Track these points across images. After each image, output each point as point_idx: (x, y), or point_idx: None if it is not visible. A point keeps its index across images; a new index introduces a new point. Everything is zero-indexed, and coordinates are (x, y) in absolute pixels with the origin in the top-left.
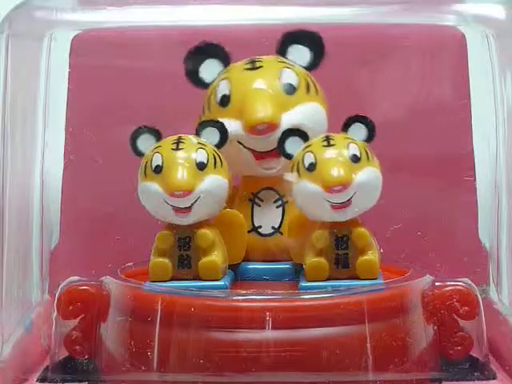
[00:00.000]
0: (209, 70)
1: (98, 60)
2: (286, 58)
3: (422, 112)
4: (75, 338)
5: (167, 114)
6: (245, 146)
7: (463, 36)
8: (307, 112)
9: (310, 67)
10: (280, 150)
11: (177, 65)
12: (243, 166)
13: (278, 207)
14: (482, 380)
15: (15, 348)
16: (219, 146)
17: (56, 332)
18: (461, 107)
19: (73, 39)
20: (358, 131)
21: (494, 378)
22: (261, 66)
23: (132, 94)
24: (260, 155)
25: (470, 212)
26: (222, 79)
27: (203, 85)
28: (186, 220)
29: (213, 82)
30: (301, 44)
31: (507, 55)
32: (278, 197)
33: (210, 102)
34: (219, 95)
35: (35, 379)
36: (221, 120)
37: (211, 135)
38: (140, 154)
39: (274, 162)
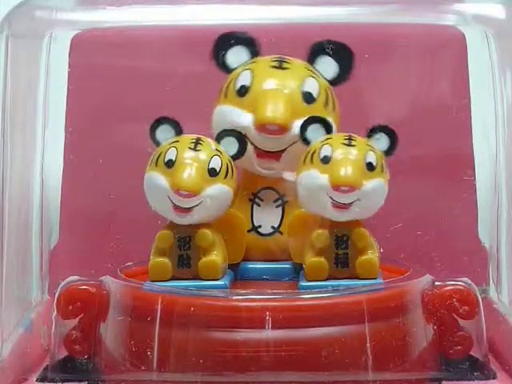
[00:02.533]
0: (235, 56)
1: (97, 59)
2: (314, 67)
3: (422, 112)
4: (75, 338)
5: (167, 114)
6: (250, 142)
7: (463, 36)
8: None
9: (335, 82)
10: (300, 133)
11: (177, 64)
12: (243, 161)
13: (277, 207)
14: (482, 380)
15: (15, 348)
16: (235, 157)
17: (56, 332)
18: (461, 107)
19: (72, 39)
20: (380, 141)
21: (493, 378)
22: (287, 68)
23: (132, 93)
24: (263, 154)
25: (469, 212)
26: (246, 69)
27: (227, 69)
28: (183, 220)
29: (236, 68)
30: (332, 57)
31: (507, 55)
32: (277, 196)
33: (228, 88)
34: (239, 84)
35: (35, 379)
36: (234, 109)
37: (230, 145)
38: (158, 144)
39: (274, 164)
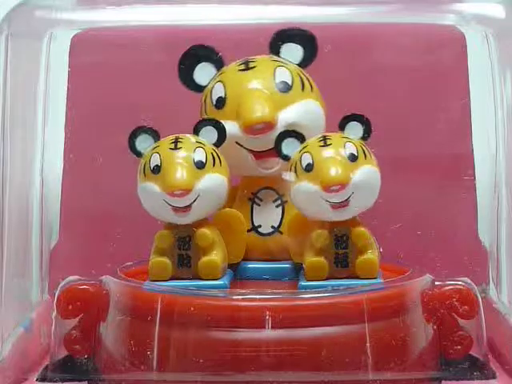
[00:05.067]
0: (203, 73)
1: (97, 59)
2: (280, 57)
3: (422, 112)
4: (75, 338)
5: (167, 114)
6: (243, 147)
7: (463, 36)
8: (303, 109)
9: (304, 64)
10: (277, 152)
11: (176, 64)
12: (243, 167)
13: (277, 206)
14: (482, 379)
15: (15, 347)
16: (218, 144)
17: (55, 331)
18: (461, 107)
19: (72, 38)
20: (355, 130)
21: (493, 378)
22: (254, 66)
23: (131, 93)
24: (259, 155)
25: (469, 211)
26: (217, 82)
27: (198, 88)
28: (185, 219)
29: (207, 85)
30: (293, 42)
31: (507, 55)
32: (277, 196)
33: (206, 105)
34: (214, 98)
35: (35, 378)
36: None
37: (209, 134)
38: (139, 155)
39: (273, 162)
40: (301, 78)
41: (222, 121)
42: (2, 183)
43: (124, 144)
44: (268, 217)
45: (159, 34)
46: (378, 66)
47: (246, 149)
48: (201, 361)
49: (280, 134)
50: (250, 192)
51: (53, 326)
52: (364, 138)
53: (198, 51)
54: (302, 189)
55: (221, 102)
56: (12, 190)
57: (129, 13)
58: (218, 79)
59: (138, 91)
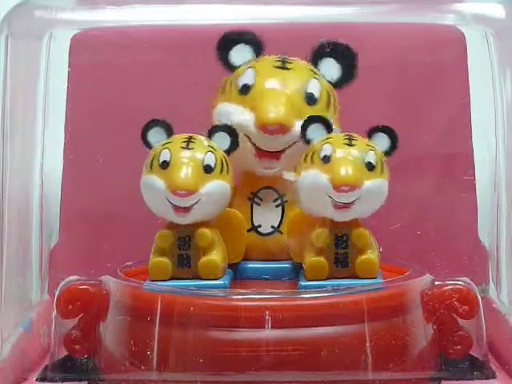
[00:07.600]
0: (240, 53)
1: (97, 59)
2: (317, 69)
3: (422, 111)
4: (75, 337)
5: (167, 114)
6: (250, 141)
7: (463, 36)
8: None
9: (338, 85)
10: (302, 133)
11: (176, 64)
12: (243, 161)
13: (277, 206)
14: (482, 379)
15: (15, 347)
16: (228, 152)
17: (55, 331)
18: (460, 106)
19: (72, 38)
20: (381, 142)
21: (493, 377)
22: (290, 68)
23: (131, 93)
24: (262, 153)
25: (469, 211)
26: (249, 67)
27: (230, 66)
28: (183, 219)
29: (240, 66)
30: (334, 59)
31: (507, 55)
32: (277, 196)
33: (230, 85)
34: (241, 82)
35: (35, 378)
36: (236, 107)
37: (222, 140)
38: (149, 146)
39: (274, 163)
40: (329, 96)
41: (240, 107)
42: (2, 183)
43: (124, 144)
44: (268, 216)
45: (159, 34)
46: (378, 66)
47: (252, 144)
48: (201, 361)
49: (310, 117)
50: (249, 191)
51: (53, 326)
52: (387, 152)
53: (242, 33)
54: (313, 177)
55: (245, 89)
56: (12, 190)
57: (129, 13)
58: (251, 65)
59: (138, 91)
